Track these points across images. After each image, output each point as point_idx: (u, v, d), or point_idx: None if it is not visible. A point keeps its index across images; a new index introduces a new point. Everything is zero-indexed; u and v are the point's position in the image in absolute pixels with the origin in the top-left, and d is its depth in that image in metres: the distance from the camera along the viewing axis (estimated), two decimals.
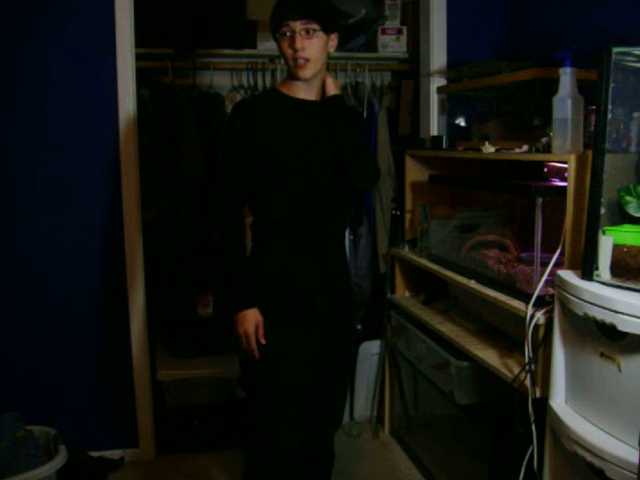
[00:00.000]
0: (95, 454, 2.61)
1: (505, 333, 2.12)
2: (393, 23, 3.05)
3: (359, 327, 2.94)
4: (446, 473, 2.39)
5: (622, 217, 1.53)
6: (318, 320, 1.88)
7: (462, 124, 2.76)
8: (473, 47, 2.75)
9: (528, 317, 1.76)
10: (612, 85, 1.48)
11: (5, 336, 2.54)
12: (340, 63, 3.00)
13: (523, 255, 2.08)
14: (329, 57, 1.85)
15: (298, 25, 1.71)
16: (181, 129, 2.72)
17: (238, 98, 2.97)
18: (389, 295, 2.79)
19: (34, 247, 2.51)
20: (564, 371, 1.64)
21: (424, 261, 2.48)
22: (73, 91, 2.46)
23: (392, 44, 3.04)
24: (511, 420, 1.80)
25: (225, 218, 1.81)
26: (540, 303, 1.77)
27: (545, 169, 2.16)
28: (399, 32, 3.04)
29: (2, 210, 2.48)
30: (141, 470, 2.64)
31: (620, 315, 1.36)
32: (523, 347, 1.79)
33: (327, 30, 1.76)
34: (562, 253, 1.75)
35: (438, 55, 2.74)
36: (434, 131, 2.77)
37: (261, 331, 1.79)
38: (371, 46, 3.06)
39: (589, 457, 1.45)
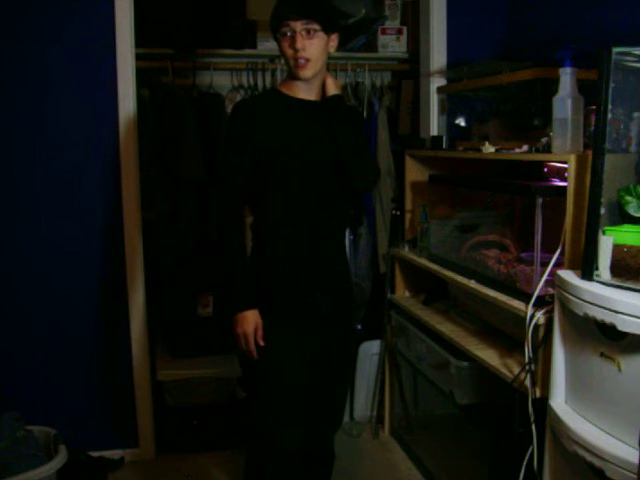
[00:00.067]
0: (95, 454, 2.62)
1: (505, 333, 2.12)
2: (393, 23, 3.05)
3: (359, 327, 2.94)
4: (446, 473, 2.39)
5: (622, 217, 1.53)
6: (318, 320, 1.88)
7: (462, 124, 2.76)
8: (473, 47, 2.75)
9: (528, 317, 1.76)
10: (612, 85, 1.48)
11: (5, 336, 2.54)
12: (340, 63, 3.00)
13: (523, 255, 2.08)
14: (329, 57, 1.85)
15: (299, 25, 1.71)
16: (181, 129, 2.72)
17: (238, 98, 2.97)
18: (389, 295, 2.79)
19: (34, 247, 2.51)
20: (564, 371, 1.64)
21: (424, 261, 2.48)
22: (73, 91, 2.46)
23: (392, 44, 3.04)
24: (511, 420, 1.80)
25: (225, 218, 1.81)
26: (540, 303, 1.77)
27: (545, 169, 2.16)
28: (399, 32, 3.04)
29: (2, 210, 2.48)
30: (141, 470, 2.64)
31: (620, 315, 1.36)
32: (523, 347, 1.79)
33: (328, 30, 1.76)
34: (562, 253, 1.75)
35: (438, 55, 2.74)
36: (434, 131, 2.77)
37: (260, 333, 1.78)
38: (371, 46, 3.06)
39: (589, 457, 1.45)
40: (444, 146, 2.52)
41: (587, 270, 1.53)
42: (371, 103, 3.02)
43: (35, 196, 2.49)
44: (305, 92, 1.83)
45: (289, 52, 1.75)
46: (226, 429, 2.78)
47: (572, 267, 1.69)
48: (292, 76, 1.81)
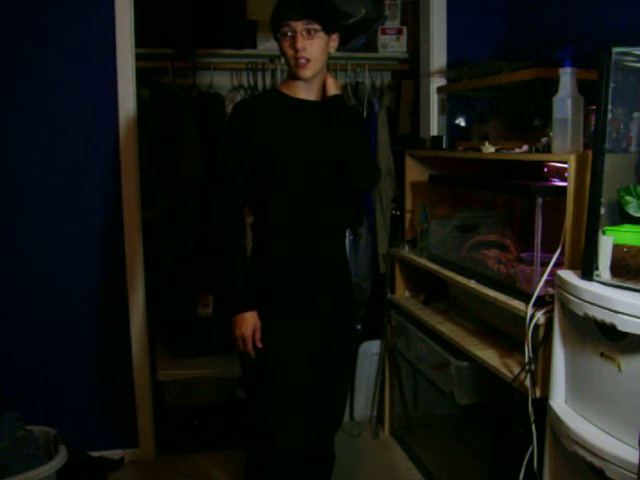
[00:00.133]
0: (95, 454, 2.62)
1: (505, 333, 2.12)
2: (393, 23, 3.05)
3: (359, 327, 2.94)
4: (446, 473, 2.39)
5: (622, 217, 1.53)
6: (318, 320, 1.88)
7: (462, 124, 2.76)
8: (473, 47, 2.75)
9: (528, 317, 1.76)
10: (612, 85, 1.48)
11: (5, 336, 2.54)
12: (340, 63, 3.00)
13: (523, 255, 2.08)
14: (329, 57, 1.85)
15: (299, 25, 1.71)
16: (181, 129, 2.72)
17: (238, 98, 2.97)
18: (389, 295, 2.79)
19: (34, 247, 2.51)
20: (564, 371, 1.64)
21: (424, 261, 2.48)
22: (73, 91, 2.46)
23: (392, 44, 3.04)
24: (511, 420, 1.80)
25: (225, 218, 1.80)
26: (540, 303, 1.77)
27: (545, 169, 2.16)
28: (399, 32, 3.04)
29: (2, 210, 2.48)
30: (141, 470, 2.64)
31: (620, 315, 1.36)
32: (523, 347, 1.79)
33: (328, 30, 1.76)
34: (562, 253, 1.75)
35: (438, 55, 2.74)
36: (434, 131, 2.77)
37: (258, 335, 1.78)
38: (371, 46, 3.06)
39: (589, 457, 1.45)
40: (444, 146, 2.52)
41: (587, 270, 1.53)
42: (371, 103, 3.02)
43: (35, 196, 2.50)
44: (305, 92, 1.83)
45: (289, 52, 1.75)
46: (226, 429, 2.78)
47: (572, 267, 1.69)
48: (292, 76, 1.81)
